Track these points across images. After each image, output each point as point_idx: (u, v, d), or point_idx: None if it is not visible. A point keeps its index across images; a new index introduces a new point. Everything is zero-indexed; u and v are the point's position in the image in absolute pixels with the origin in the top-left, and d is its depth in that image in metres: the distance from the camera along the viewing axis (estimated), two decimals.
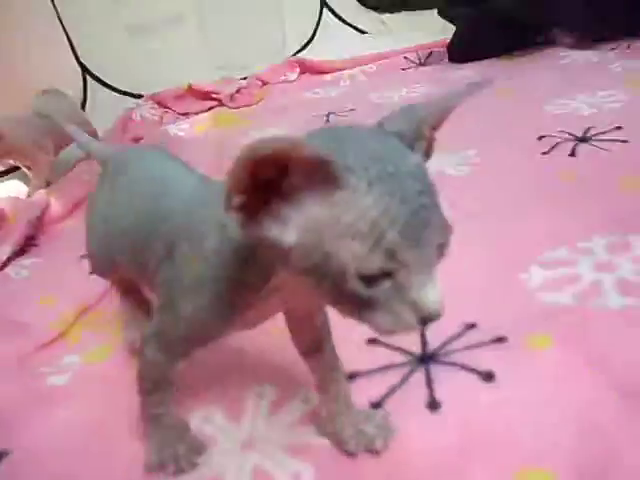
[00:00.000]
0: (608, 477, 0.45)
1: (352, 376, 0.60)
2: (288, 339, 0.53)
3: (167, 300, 0.49)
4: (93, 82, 1.80)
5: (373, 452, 0.51)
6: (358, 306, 0.35)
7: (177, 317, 0.47)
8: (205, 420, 0.59)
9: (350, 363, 0.58)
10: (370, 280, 0.33)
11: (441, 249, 0.35)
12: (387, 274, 0.33)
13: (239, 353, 0.66)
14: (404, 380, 0.58)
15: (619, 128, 1.01)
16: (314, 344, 0.53)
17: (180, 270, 0.47)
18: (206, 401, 0.61)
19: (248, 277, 0.42)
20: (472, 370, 0.58)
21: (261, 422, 0.58)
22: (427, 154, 0.39)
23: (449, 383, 0.57)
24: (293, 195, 0.34)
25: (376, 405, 0.57)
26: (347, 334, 0.53)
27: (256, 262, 0.40)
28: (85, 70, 1.79)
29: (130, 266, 0.59)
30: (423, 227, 0.33)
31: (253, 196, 0.34)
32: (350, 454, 0.52)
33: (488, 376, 0.56)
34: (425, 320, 0.34)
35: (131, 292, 0.74)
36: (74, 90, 1.73)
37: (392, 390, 0.58)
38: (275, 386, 0.61)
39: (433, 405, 0.55)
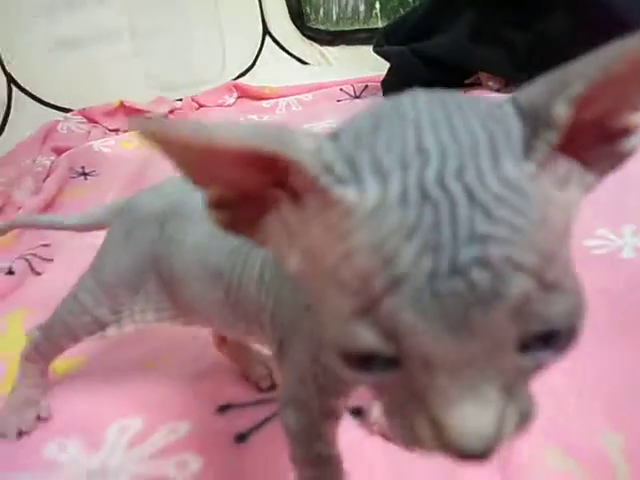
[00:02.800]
0: None
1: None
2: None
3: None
4: (19, 93, 1.74)
5: None
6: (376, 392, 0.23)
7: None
8: (60, 448, 0.56)
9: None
10: (360, 362, 0.21)
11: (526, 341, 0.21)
12: (390, 360, 0.21)
13: (109, 382, 0.63)
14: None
15: None
16: None
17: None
18: (64, 430, 0.58)
19: None
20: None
21: (119, 453, 0.54)
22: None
23: None
24: (297, 197, 0.23)
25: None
26: None
27: None
28: (11, 80, 1.73)
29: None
30: (468, 302, 0.19)
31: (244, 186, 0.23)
32: None
33: (357, 412, 0.55)
34: (458, 453, 0.20)
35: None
36: None
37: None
38: (142, 418, 0.58)
39: None
